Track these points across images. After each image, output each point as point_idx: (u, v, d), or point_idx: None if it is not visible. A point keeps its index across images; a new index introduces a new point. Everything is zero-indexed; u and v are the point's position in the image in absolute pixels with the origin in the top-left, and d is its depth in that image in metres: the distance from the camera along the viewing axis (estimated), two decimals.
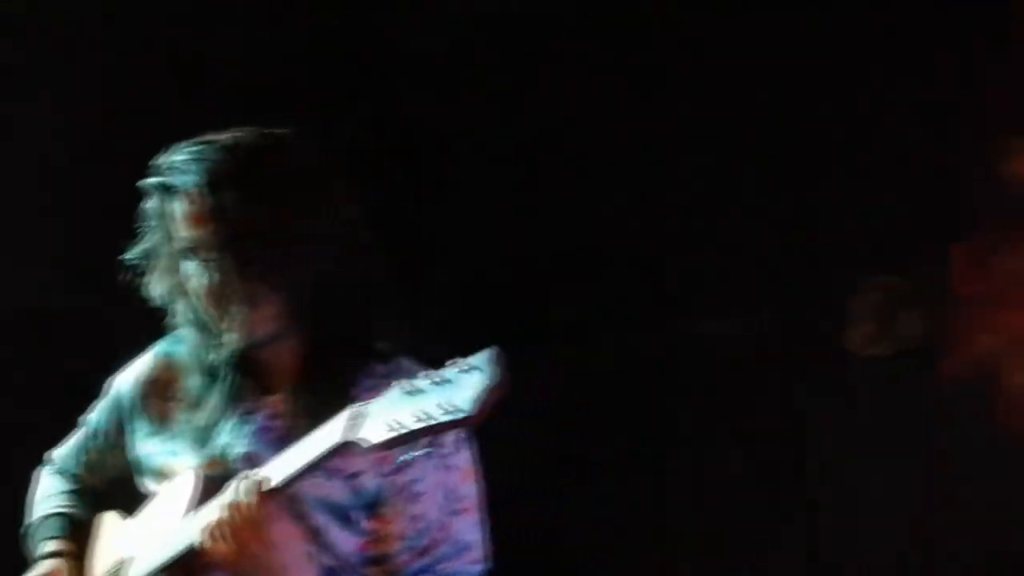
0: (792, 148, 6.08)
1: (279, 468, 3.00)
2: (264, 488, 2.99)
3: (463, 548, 3.23)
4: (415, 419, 2.73)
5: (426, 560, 3.20)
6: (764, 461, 6.08)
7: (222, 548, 2.99)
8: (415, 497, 3.19)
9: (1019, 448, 5.74)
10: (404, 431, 2.74)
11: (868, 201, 5.95)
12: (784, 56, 5.97)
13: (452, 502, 3.22)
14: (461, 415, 2.67)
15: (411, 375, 2.83)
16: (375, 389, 2.94)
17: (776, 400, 6.11)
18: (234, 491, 3.01)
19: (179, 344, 3.40)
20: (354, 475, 3.17)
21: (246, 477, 3.02)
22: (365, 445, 2.81)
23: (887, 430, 5.92)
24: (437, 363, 2.89)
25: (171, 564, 3.12)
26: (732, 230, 6.12)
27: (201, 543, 3.02)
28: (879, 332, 6.02)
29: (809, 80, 6.00)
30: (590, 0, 6.04)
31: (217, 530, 3.00)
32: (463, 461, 3.23)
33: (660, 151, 6.13)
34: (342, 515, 3.19)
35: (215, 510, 3.03)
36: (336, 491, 3.17)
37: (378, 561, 3.22)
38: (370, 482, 3.18)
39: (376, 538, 3.22)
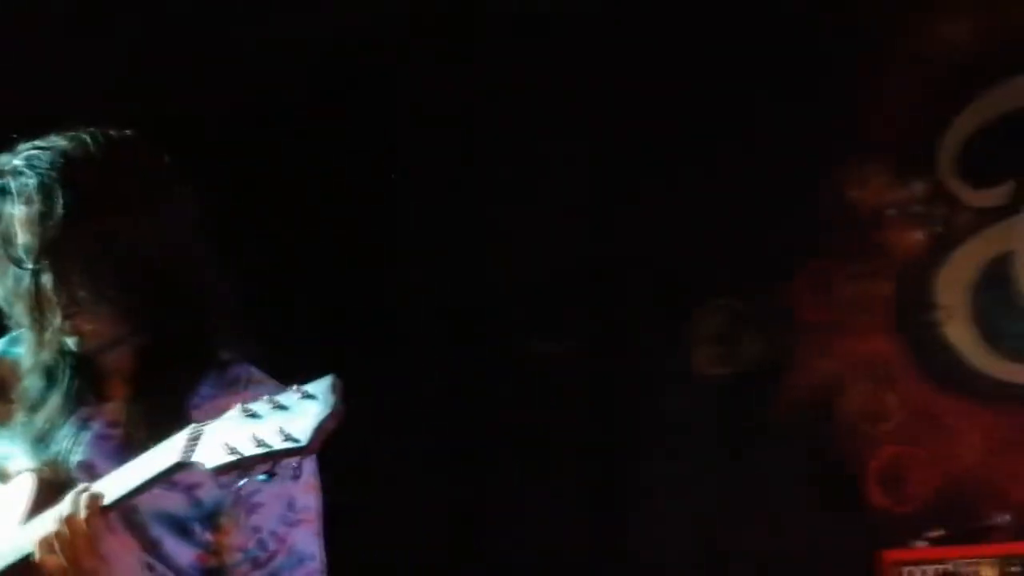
0: (638, 170, 6.12)
1: (115, 484, 2.92)
2: (99, 504, 2.91)
3: (301, 559, 3.17)
4: (254, 444, 2.69)
5: (264, 572, 3.14)
6: (591, 478, 6.09)
7: (55, 561, 2.91)
8: (254, 508, 3.13)
9: (851, 473, 5.81)
10: (241, 456, 2.69)
11: (713, 224, 5.99)
12: (629, 82, 6.02)
13: (292, 513, 3.17)
14: (297, 445, 2.64)
15: (254, 385, 2.77)
16: (216, 399, 2.90)
17: (606, 418, 6.12)
18: (70, 504, 2.92)
19: (18, 345, 3.30)
20: (193, 487, 3.09)
21: (83, 491, 2.94)
22: (201, 468, 2.76)
23: (720, 449, 5.95)
24: (281, 372, 2.84)
25: (6, 572, 3.02)
26: (570, 250, 6.15)
27: (35, 554, 2.93)
28: (721, 353, 6.05)
29: (656, 107, 6.05)
30: None
31: (51, 543, 2.91)
32: (303, 473, 3.17)
33: (495, 168, 6.16)
34: (180, 527, 3.12)
35: (51, 522, 2.95)
36: (174, 503, 3.09)
37: (216, 573, 3.15)
38: (209, 494, 3.11)
39: (214, 549, 3.15)
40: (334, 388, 2.67)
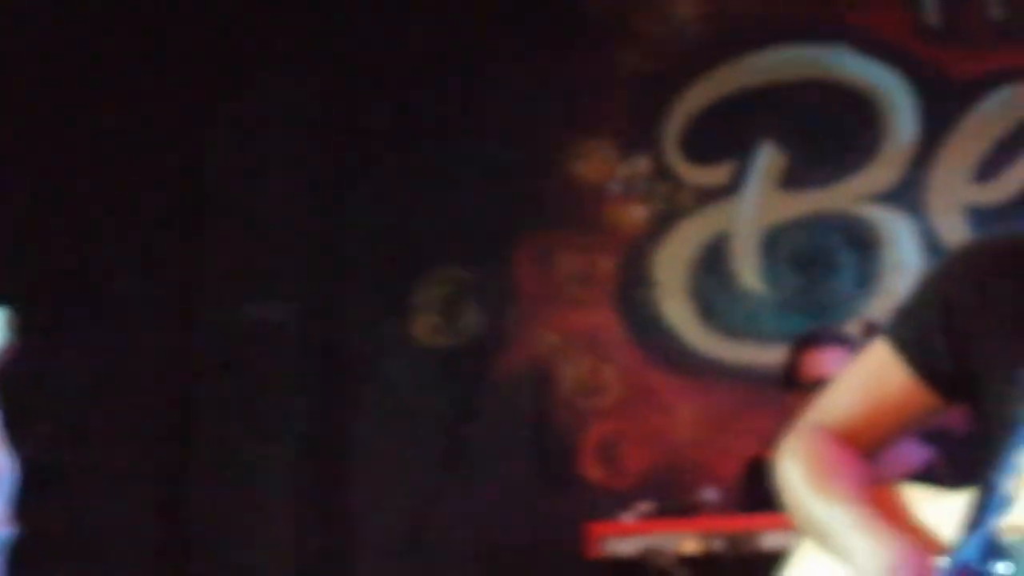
0: (361, 139, 5.97)
1: None
2: None
3: None
4: None
5: None
6: (308, 445, 5.93)
7: None
8: None
9: (567, 446, 5.73)
10: None
11: (437, 195, 5.87)
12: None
13: None
14: None
15: None
16: None
17: (324, 385, 5.97)
18: None
19: None
20: None
21: None
22: None
23: (439, 419, 5.84)
24: None
25: None
26: (291, 217, 5.97)
27: None
28: (441, 323, 5.92)
29: (382, 78, 5.92)
30: None
31: None
32: None
33: (214, 134, 5.97)
34: None
35: None
36: None
37: None
38: None
39: None
40: (9, 321, 2.63)
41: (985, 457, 1.74)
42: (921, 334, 2.18)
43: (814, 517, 2.19)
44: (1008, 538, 1.92)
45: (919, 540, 2.04)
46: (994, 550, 1.74)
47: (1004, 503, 1.70)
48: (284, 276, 5.96)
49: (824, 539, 2.19)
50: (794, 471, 2.25)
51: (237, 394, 5.84)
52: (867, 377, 2.26)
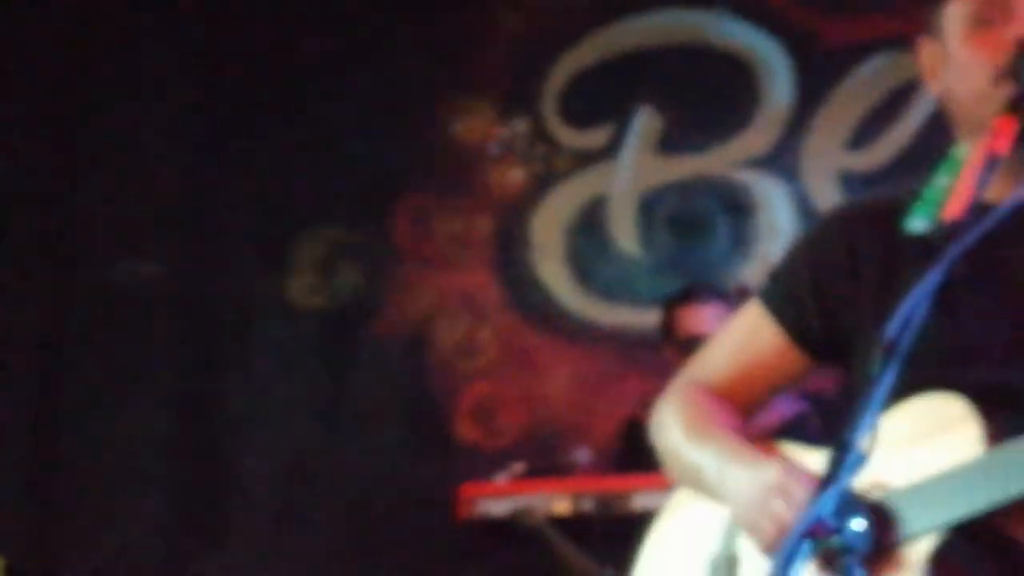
0: (239, 98, 5.85)
1: None
2: None
3: None
4: None
5: None
6: (183, 403, 5.82)
7: None
8: None
9: (442, 406, 5.67)
10: None
11: (316, 155, 5.77)
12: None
13: None
14: None
15: None
16: None
17: (199, 343, 5.86)
18: None
19: None
20: None
21: None
22: None
23: (315, 379, 5.75)
24: None
25: None
26: (166, 175, 5.84)
27: None
28: (318, 283, 5.83)
29: (256, 37, 5.80)
30: None
31: None
32: None
33: (90, 95, 5.82)
34: None
35: None
36: None
37: None
38: None
39: None
40: None
41: (847, 416, 1.71)
42: (792, 296, 2.19)
43: (690, 461, 2.20)
44: (869, 495, 1.91)
45: (795, 465, 2.04)
46: (849, 506, 1.71)
47: (859, 460, 1.67)
48: (159, 235, 5.82)
49: (699, 482, 2.19)
50: (670, 422, 2.26)
51: (110, 353, 5.70)
52: (741, 336, 2.27)
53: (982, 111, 1.95)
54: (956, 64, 2.06)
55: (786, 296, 2.19)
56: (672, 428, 2.25)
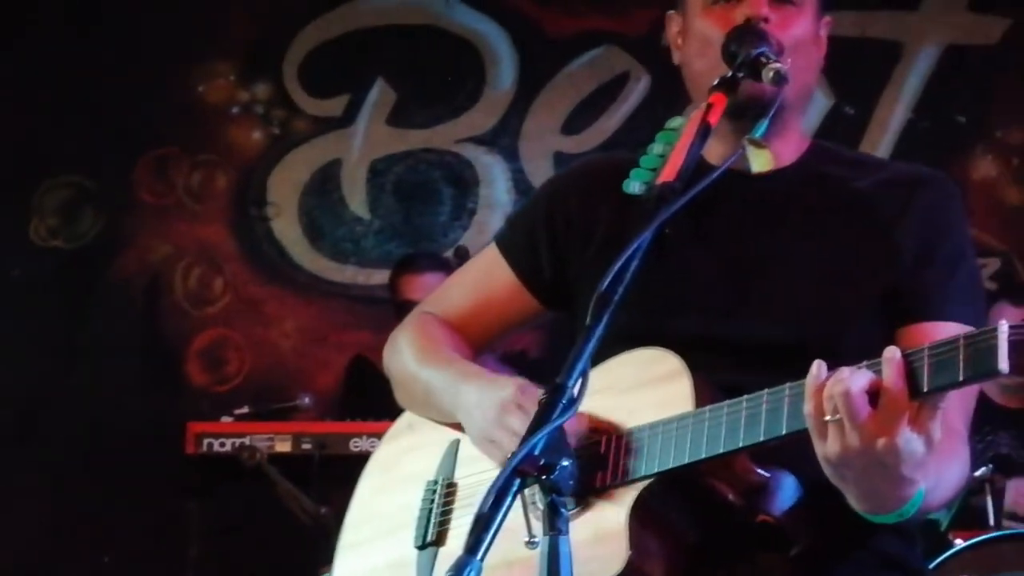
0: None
1: None
2: None
3: None
4: None
5: None
6: None
7: None
8: None
9: (176, 348, 5.53)
10: None
11: (64, 102, 5.55)
12: None
13: None
14: None
15: None
16: None
17: None
18: None
19: None
20: None
21: None
22: None
23: (53, 321, 5.54)
24: None
25: None
26: None
27: None
28: (59, 226, 5.61)
29: None
30: None
31: None
32: None
33: None
34: None
35: None
36: None
37: None
38: None
39: None
40: None
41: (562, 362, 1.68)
42: (527, 243, 2.15)
43: (425, 380, 2.14)
44: (586, 438, 1.91)
45: (530, 384, 1.99)
46: (559, 446, 1.68)
47: (570, 404, 1.64)
48: None
49: (433, 403, 2.13)
50: (405, 347, 2.21)
51: None
52: (477, 275, 2.23)
53: (709, 83, 1.91)
54: (692, 37, 2.03)
55: (521, 243, 2.15)
56: (406, 351, 2.19)
